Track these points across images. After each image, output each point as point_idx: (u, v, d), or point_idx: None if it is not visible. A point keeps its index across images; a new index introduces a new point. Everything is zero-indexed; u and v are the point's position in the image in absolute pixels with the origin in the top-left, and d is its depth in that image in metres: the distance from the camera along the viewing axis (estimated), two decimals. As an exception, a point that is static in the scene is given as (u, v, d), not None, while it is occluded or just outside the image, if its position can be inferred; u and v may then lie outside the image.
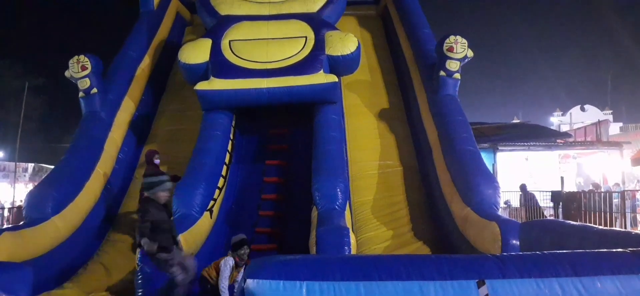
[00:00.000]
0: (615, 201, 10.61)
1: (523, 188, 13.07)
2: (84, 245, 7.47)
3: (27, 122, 29.79)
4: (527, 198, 12.70)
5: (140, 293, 5.90)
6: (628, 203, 10.90)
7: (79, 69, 8.53)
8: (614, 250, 2.89)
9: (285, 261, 2.68)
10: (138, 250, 6.04)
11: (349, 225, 6.74)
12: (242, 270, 6.09)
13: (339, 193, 7.13)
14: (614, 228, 8.38)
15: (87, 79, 8.57)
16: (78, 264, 7.25)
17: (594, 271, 2.67)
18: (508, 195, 14.34)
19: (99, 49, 10.13)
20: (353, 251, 6.03)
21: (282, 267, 2.61)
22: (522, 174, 16.32)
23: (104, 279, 6.87)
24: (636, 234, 4.00)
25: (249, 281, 2.54)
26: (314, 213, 7.05)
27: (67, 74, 8.66)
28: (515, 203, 14.49)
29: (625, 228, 10.16)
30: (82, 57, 8.55)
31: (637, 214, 11.63)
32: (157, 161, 7.86)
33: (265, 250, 7.37)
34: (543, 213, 12.14)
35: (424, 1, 11.00)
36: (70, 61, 8.57)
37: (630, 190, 13.36)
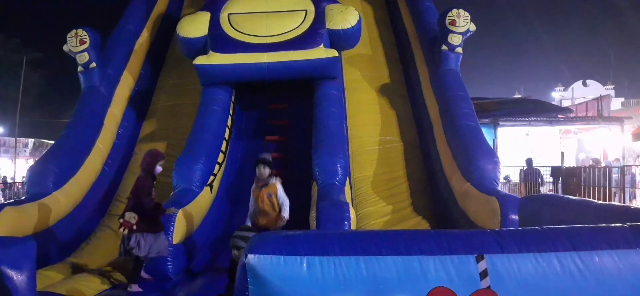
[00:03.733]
0: (615, 176, 10.66)
1: (529, 162, 13.13)
2: (85, 220, 7.53)
3: (26, 97, 29.70)
4: (529, 172, 12.77)
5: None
6: (627, 178, 10.94)
7: (77, 43, 8.46)
8: (613, 225, 2.91)
9: (285, 236, 2.69)
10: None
11: (348, 200, 6.78)
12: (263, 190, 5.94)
13: (339, 168, 7.15)
14: (612, 203, 8.42)
15: (85, 54, 8.50)
16: (80, 239, 7.31)
17: (592, 245, 2.68)
18: (508, 170, 14.39)
19: (97, 22, 10.04)
20: (353, 226, 6.07)
21: (282, 242, 2.62)
22: (523, 150, 16.35)
23: (105, 253, 6.92)
24: (635, 208, 4.02)
25: (250, 256, 2.56)
26: (314, 189, 7.09)
27: (65, 48, 8.59)
28: (516, 178, 14.55)
29: (624, 203, 10.22)
30: (80, 31, 8.47)
31: (637, 189, 11.68)
32: (158, 170, 5.92)
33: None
34: (539, 189, 12.25)
35: (426, -26, 10.82)
36: (68, 35, 8.49)
37: (629, 165, 13.40)
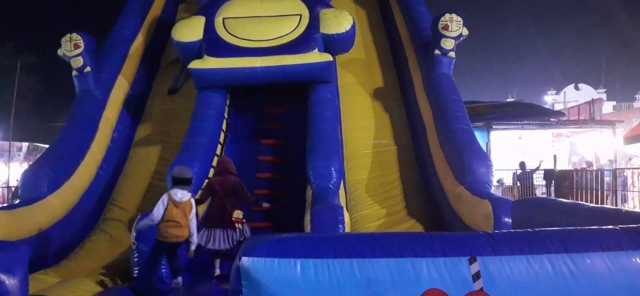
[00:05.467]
0: (607, 179, 10.73)
1: (522, 165, 13.21)
2: (80, 224, 7.50)
3: (20, 101, 29.53)
4: (523, 175, 12.85)
5: (136, 271, 5.95)
6: (619, 181, 11.03)
7: (72, 48, 8.45)
8: (604, 227, 2.93)
9: (279, 239, 2.70)
10: (134, 227, 6.08)
11: (343, 204, 6.79)
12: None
13: (334, 172, 7.17)
14: (604, 206, 8.49)
15: (80, 58, 8.50)
16: (74, 243, 7.28)
17: (584, 247, 2.70)
18: (501, 174, 14.46)
19: (92, 26, 10.03)
20: (347, 230, 6.09)
21: (276, 245, 2.63)
22: (516, 153, 16.43)
23: (100, 257, 6.90)
24: (626, 211, 4.06)
25: (244, 259, 2.57)
26: (309, 192, 7.10)
27: (59, 52, 8.58)
28: (509, 181, 14.62)
29: (616, 205, 10.29)
30: (74, 35, 8.46)
31: (628, 192, 11.75)
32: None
33: (260, 228, 7.43)
34: (534, 192, 12.32)
35: (420, -21, 10.86)
36: (63, 39, 8.48)
37: (621, 168, 13.49)
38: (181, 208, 5.63)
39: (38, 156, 13.34)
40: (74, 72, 8.61)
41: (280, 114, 9.41)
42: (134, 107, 9.60)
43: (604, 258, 2.69)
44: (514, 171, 14.33)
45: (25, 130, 32.25)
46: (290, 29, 8.73)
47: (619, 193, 10.85)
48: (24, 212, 6.42)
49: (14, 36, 36.83)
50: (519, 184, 12.92)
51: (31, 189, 6.97)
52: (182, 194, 5.66)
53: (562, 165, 16.12)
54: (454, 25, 8.31)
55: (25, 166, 20.99)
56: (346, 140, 8.76)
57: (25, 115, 33.87)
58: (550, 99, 40.18)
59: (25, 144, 29.13)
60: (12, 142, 26.08)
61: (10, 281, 3.84)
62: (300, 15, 8.92)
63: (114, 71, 9.16)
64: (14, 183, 18.35)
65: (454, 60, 8.60)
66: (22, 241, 5.67)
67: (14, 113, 24.68)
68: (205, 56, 8.49)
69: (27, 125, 33.30)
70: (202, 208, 7.06)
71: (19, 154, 27.74)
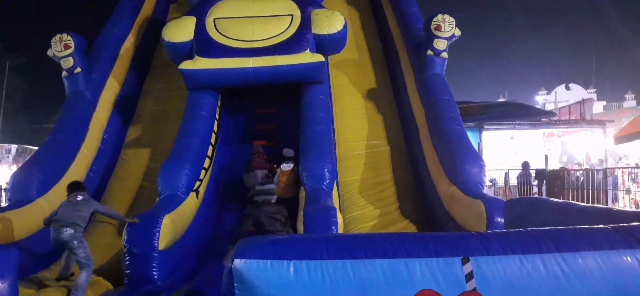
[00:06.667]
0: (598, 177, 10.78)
1: (525, 165, 13.26)
2: (70, 226, 7.40)
3: (9, 102, 29.23)
4: (524, 174, 12.91)
5: (128, 274, 5.90)
6: (610, 180, 11.09)
7: (62, 48, 8.37)
8: (595, 226, 2.95)
9: (272, 241, 2.69)
10: (125, 231, 6.03)
11: (336, 205, 6.79)
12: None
13: (327, 173, 7.16)
14: (596, 205, 8.54)
15: (70, 58, 8.42)
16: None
17: (576, 247, 2.72)
18: (494, 173, 14.51)
19: (82, 27, 9.95)
20: (340, 231, 6.08)
21: (269, 247, 2.62)
22: (508, 153, 16.50)
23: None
24: (617, 210, 4.09)
25: (237, 261, 2.55)
26: (302, 193, 7.09)
27: (49, 53, 8.50)
28: (501, 181, 14.67)
29: (607, 204, 10.36)
30: (64, 35, 8.39)
31: (619, 191, 11.84)
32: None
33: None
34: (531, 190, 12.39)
35: (411, -21, 10.87)
36: (53, 40, 8.41)
37: (611, 168, 13.60)
38: (286, 175, 7.72)
39: (27, 158, 13.20)
40: (64, 73, 8.53)
41: (272, 115, 9.38)
42: (125, 109, 9.53)
43: (596, 257, 2.70)
44: (506, 171, 14.39)
45: (14, 132, 31.89)
46: (281, 29, 8.71)
47: (610, 193, 10.92)
48: (14, 215, 6.35)
49: (3, 36, 36.45)
50: (516, 183, 12.96)
51: (20, 192, 6.90)
52: (285, 166, 7.80)
53: (554, 165, 16.22)
54: (447, 26, 8.34)
55: (14, 168, 20.77)
56: (339, 141, 8.76)
57: (14, 116, 33.50)
58: (541, 99, 40.41)
59: (14, 146, 28.81)
60: (0, 144, 25.83)
61: (-1, 285, 3.79)
62: (292, 15, 8.90)
63: (104, 72, 9.09)
64: (3, 185, 18.14)
65: (447, 60, 8.63)
66: (11, 244, 5.60)
67: (2, 114, 24.43)
68: (196, 57, 8.45)
69: (16, 126, 32.95)
70: None
71: (8, 156, 27.43)
